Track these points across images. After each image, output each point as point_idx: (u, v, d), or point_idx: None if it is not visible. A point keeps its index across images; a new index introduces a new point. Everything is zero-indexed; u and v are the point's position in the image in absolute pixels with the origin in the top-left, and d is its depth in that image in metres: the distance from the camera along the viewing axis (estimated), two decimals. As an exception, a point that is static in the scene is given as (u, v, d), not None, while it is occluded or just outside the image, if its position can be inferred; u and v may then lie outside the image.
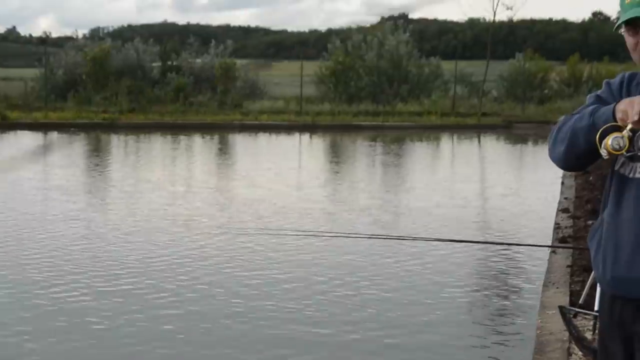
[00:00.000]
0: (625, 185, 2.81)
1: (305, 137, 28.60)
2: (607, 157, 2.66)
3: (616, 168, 2.87)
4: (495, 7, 36.69)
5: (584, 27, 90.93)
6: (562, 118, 2.99)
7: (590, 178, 14.60)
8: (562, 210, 12.11)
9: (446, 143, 27.98)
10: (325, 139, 28.05)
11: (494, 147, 27.11)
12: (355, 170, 19.69)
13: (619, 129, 2.63)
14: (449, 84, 40.71)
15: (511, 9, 36.88)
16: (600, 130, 2.66)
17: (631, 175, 2.80)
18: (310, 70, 39.31)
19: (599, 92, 2.98)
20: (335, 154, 23.73)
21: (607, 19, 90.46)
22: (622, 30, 2.81)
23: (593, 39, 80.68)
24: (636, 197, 2.77)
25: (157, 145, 25.02)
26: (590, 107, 2.84)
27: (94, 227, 11.47)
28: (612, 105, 2.72)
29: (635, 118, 2.57)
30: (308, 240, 10.66)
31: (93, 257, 9.70)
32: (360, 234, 10.75)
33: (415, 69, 39.95)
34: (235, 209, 13.14)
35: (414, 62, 40.25)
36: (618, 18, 2.84)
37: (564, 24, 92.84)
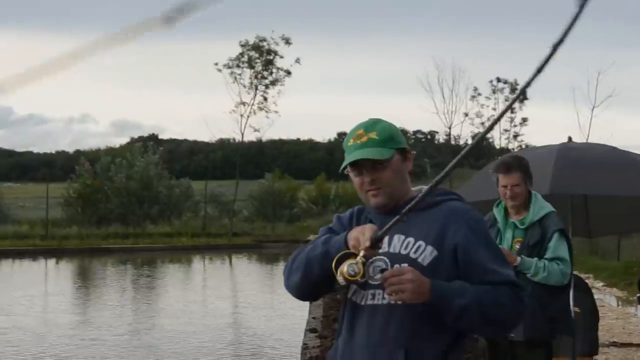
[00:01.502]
0: (358, 313, 2.93)
1: (52, 262, 27.49)
2: (344, 283, 2.73)
3: (349, 296, 2.98)
4: (243, 128, 37.30)
5: (330, 147, 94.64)
6: (296, 250, 3.09)
7: (338, 296, 14.93)
8: (309, 330, 12.23)
9: (198, 264, 27.85)
10: (72, 263, 27.10)
11: (245, 267, 27.28)
12: (105, 293, 19.07)
13: (353, 256, 2.69)
14: (199, 204, 40.87)
15: (259, 130, 37.78)
16: (336, 258, 2.73)
17: (363, 302, 2.92)
18: (58, 193, 38.21)
19: (330, 225, 3.11)
20: (84, 279, 22.93)
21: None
22: (347, 171, 2.98)
23: (339, 158, 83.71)
24: (368, 324, 2.88)
25: None
26: (324, 237, 2.97)
27: None
28: (344, 234, 2.86)
29: (367, 244, 2.68)
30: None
31: None
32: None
33: (165, 189, 39.84)
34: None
35: (164, 182, 40.18)
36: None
37: (311, 144, 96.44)
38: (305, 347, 10.87)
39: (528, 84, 2.03)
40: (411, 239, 2.89)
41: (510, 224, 5.64)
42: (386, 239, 2.81)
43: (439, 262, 2.85)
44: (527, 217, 5.56)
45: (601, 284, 19.25)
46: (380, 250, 2.80)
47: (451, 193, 2.95)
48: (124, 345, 12.15)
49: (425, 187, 3.05)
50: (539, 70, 1.98)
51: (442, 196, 2.95)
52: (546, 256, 5.45)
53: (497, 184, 5.62)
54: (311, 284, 2.95)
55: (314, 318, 13.39)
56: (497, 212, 5.71)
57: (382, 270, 2.81)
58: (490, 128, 2.47)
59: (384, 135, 2.95)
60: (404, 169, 3.00)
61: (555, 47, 1.92)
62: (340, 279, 2.71)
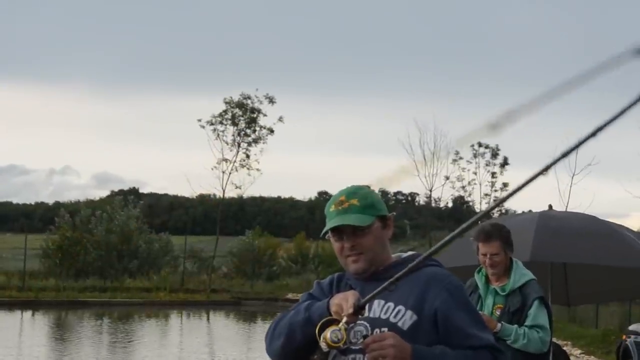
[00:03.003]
0: None
1: (28, 314, 27.22)
2: (326, 350, 2.79)
3: None
4: (224, 185, 37.31)
5: (311, 206, 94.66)
6: (278, 315, 3.14)
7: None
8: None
9: (175, 320, 27.65)
10: (49, 315, 26.85)
11: (223, 324, 27.10)
12: (81, 347, 18.89)
13: (336, 322, 2.75)
14: (178, 259, 40.66)
15: (240, 187, 37.79)
16: (319, 324, 2.79)
17: None
18: (36, 244, 37.93)
19: (311, 291, 3.18)
20: (60, 332, 22.70)
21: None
22: (328, 236, 3.05)
23: (319, 217, 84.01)
24: None
25: None
26: (306, 303, 3.03)
27: None
28: (326, 300, 2.92)
29: (350, 311, 2.74)
30: None
31: None
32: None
33: (145, 244, 39.66)
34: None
35: (144, 237, 40.01)
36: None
37: (291, 202, 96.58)
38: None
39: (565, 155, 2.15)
40: (391, 304, 2.95)
41: (491, 290, 5.69)
42: None
43: (419, 327, 2.90)
44: (507, 284, 5.61)
45: (579, 351, 19.25)
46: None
47: (430, 258, 3.01)
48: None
49: (404, 254, 3.12)
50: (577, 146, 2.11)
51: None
52: (526, 323, 5.50)
53: (477, 251, 5.68)
54: (293, 349, 2.99)
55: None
56: (478, 279, 5.76)
57: (364, 336, 2.85)
58: (505, 199, 2.55)
59: (365, 202, 3.01)
60: (384, 236, 3.06)
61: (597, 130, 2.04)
62: (323, 345, 2.77)
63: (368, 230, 2.97)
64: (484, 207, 44.36)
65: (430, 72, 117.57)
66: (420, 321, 2.90)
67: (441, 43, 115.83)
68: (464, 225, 2.67)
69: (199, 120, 37.46)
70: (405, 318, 2.91)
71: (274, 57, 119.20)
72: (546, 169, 2.57)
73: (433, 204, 48.74)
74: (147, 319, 26.76)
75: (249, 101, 37.42)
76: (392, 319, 2.92)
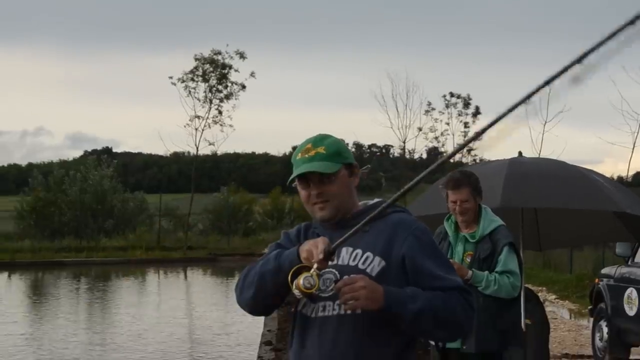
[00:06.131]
0: (308, 325, 3.02)
1: (4, 276, 27.12)
2: (300, 296, 2.85)
3: (299, 309, 3.08)
4: (197, 142, 37.16)
5: (285, 161, 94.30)
6: (247, 266, 3.15)
7: (292, 309, 14.93)
8: (264, 342, 12.23)
9: (152, 277, 27.68)
10: (25, 277, 26.77)
11: (200, 280, 27.16)
12: (58, 307, 18.87)
13: (307, 269, 2.75)
14: (154, 218, 40.61)
15: (213, 144, 37.65)
16: (291, 272, 2.80)
17: (313, 315, 3.01)
18: (10, 206, 37.73)
19: (279, 241, 3.20)
20: (37, 293, 22.66)
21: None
22: (295, 184, 3.05)
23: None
24: (320, 335, 2.96)
25: None
26: (275, 252, 3.05)
27: None
28: (295, 247, 2.92)
29: (321, 256, 2.76)
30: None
31: None
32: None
33: (119, 203, 39.55)
34: None
35: (119, 196, 39.89)
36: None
37: (266, 158, 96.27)
38: (260, 359, 10.89)
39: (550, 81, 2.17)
40: (359, 251, 2.97)
41: (461, 237, 5.72)
42: None
43: (387, 273, 2.92)
44: (477, 231, 5.64)
45: (554, 296, 19.49)
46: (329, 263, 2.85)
47: (396, 205, 3.02)
48: (77, 360, 12.07)
49: (370, 202, 3.13)
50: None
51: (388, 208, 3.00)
52: (497, 269, 5.54)
53: (446, 199, 5.70)
54: (264, 298, 3.04)
55: (269, 331, 13.40)
56: (448, 226, 5.78)
57: (335, 281, 2.86)
58: (470, 141, 2.56)
59: (332, 149, 3.02)
60: (351, 184, 3.07)
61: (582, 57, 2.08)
62: (296, 292, 2.81)
63: (335, 177, 2.98)
64: (458, 157, 44.51)
65: (403, 23, 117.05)
66: (388, 267, 2.93)
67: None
68: (428, 169, 2.67)
69: (170, 78, 37.22)
70: (374, 264, 2.94)
71: (245, 12, 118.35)
72: (510, 110, 2.58)
73: (407, 156, 48.82)
74: (124, 278, 26.76)
75: (219, 57, 37.17)
76: (360, 266, 2.94)
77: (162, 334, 14.53)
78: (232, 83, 37.39)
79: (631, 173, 37.45)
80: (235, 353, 12.64)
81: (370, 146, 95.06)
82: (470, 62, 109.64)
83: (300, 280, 2.77)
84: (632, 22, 2.02)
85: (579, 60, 2.21)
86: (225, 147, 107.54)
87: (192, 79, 37.07)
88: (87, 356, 12.41)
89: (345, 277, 2.87)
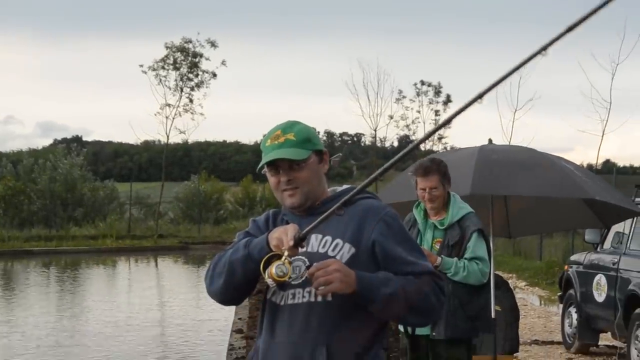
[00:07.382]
0: (278, 313, 2.99)
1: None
2: (273, 285, 2.82)
3: (268, 297, 3.04)
4: (168, 130, 37.01)
5: (257, 149, 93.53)
6: (216, 255, 3.11)
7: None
8: (235, 330, 12.21)
9: (123, 266, 27.56)
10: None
11: (171, 268, 27.09)
12: (27, 297, 18.76)
13: (278, 257, 2.75)
14: (124, 207, 40.42)
15: (184, 132, 37.53)
16: (263, 261, 2.78)
17: (282, 302, 2.98)
18: (-22, 195, 37.34)
19: (247, 229, 3.16)
20: (6, 282, 22.49)
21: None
22: (264, 171, 3.04)
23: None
24: (288, 322, 2.94)
25: None
26: (244, 240, 3.01)
27: None
28: (265, 235, 2.90)
29: (291, 243, 2.75)
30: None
31: None
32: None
33: (90, 191, 39.33)
34: None
35: (89, 184, 39.67)
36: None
37: (237, 146, 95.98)
38: (231, 347, 10.86)
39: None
40: (328, 238, 2.95)
41: (430, 224, 5.73)
42: None
43: (357, 259, 2.91)
44: (446, 218, 5.66)
45: (524, 283, 19.63)
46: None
47: (365, 192, 3.01)
48: (48, 349, 11.99)
49: (339, 188, 3.12)
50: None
51: (357, 194, 2.98)
52: (465, 256, 5.56)
53: (416, 186, 5.71)
54: (234, 287, 3.00)
55: (240, 319, 13.37)
56: (417, 213, 5.80)
57: (308, 268, 2.84)
58: (439, 128, 2.57)
59: (301, 136, 3.00)
60: (321, 170, 3.05)
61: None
62: (269, 281, 2.77)
63: (304, 164, 2.96)
64: (429, 145, 44.66)
65: (374, 10, 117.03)
66: (358, 253, 2.92)
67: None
68: (398, 156, 2.67)
69: (141, 66, 37.01)
70: (344, 251, 2.92)
71: (216, 1, 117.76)
72: (477, 98, 2.58)
73: (379, 144, 48.95)
74: (94, 267, 26.62)
75: (190, 45, 37.04)
76: (330, 253, 2.92)
77: (133, 321, 14.48)
78: (203, 71, 37.30)
79: (601, 161, 37.86)
80: (207, 342, 12.62)
81: (341, 134, 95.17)
82: (441, 50, 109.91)
83: (273, 268, 2.74)
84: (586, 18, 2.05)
85: (544, 48, 2.23)
86: (196, 135, 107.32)
87: (163, 67, 36.93)
88: (57, 345, 12.34)
89: (317, 262, 2.86)
